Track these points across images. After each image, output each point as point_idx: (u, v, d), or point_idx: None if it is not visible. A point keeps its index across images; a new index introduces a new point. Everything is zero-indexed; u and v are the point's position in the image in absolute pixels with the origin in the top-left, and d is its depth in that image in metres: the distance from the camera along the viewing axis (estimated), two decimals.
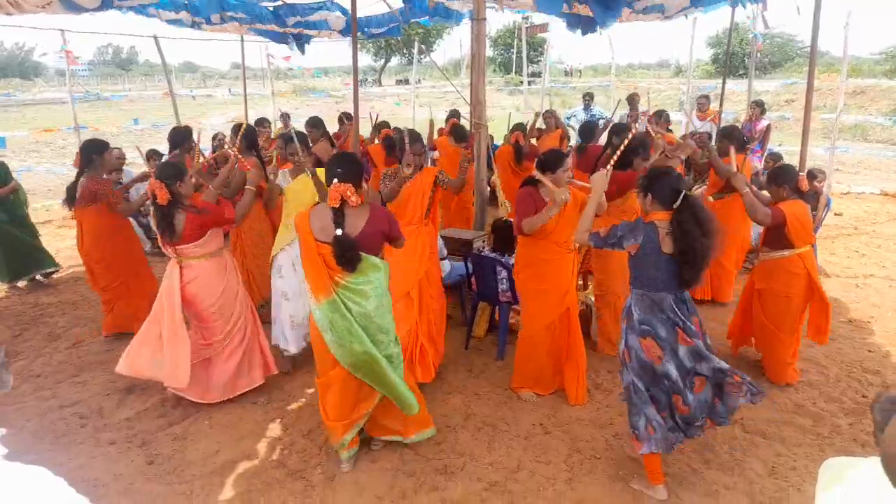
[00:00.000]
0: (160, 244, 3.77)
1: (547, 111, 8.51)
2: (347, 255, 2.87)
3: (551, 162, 3.66)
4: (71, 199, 4.75)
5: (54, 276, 6.49)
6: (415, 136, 4.34)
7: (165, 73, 10.31)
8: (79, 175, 4.71)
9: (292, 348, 4.41)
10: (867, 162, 13.73)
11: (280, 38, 9.12)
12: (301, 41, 9.22)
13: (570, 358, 3.94)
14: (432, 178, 4.23)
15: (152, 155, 7.68)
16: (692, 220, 2.73)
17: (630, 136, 3.78)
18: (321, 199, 3.97)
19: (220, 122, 15.97)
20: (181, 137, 5.76)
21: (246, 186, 4.02)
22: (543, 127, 8.32)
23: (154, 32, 9.37)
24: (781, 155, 7.22)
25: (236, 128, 5.50)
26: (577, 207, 3.66)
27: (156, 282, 4.77)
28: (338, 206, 2.88)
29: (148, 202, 3.94)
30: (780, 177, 3.94)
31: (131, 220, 6.57)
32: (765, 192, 4.37)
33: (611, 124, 5.84)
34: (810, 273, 3.91)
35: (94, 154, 4.67)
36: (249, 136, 5.12)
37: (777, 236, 3.91)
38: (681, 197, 2.75)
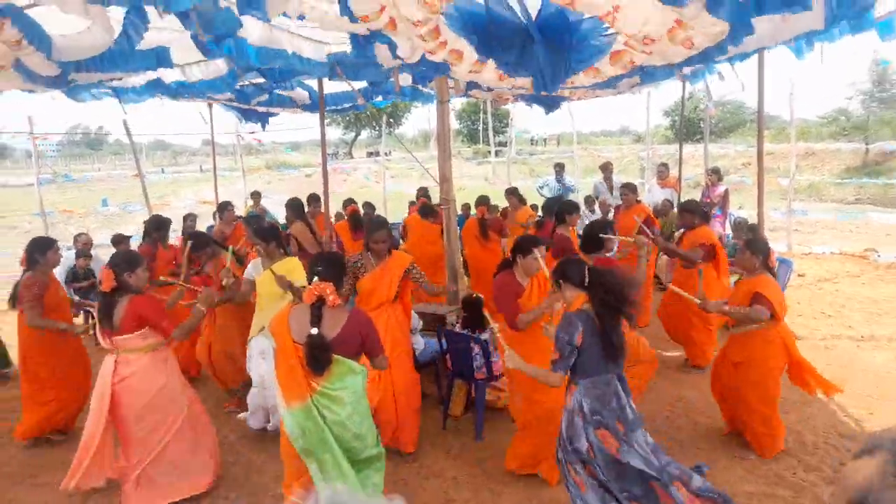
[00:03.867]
0: (98, 336, 3.59)
1: (508, 189, 8.59)
2: (319, 356, 2.76)
3: (521, 246, 3.77)
4: (14, 298, 4.67)
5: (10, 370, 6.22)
6: (377, 224, 4.30)
7: (134, 154, 10.37)
8: (24, 274, 4.59)
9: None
10: (823, 222, 14.27)
11: (243, 113, 9.22)
12: (264, 118, 9.34)
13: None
14: (402, 269, 4.20)
15: (120, 240, 7.63)
16: (606, 286, 2.94)
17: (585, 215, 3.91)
18: (295, 297, 3.96)
19: (192, 201, 15.95)
20: (154, 227, 5.80)
21: (194, 309, 3.77)
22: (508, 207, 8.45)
23: (123, 116, 9.50)
24: (748, 220, 7.47)
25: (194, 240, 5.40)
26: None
27: (89, 381, 4.55)
28: (314, 303, 2.82)
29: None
30: (757, 247, 4.03)
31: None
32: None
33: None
34: (785, 339, 3.97)
35: (36, 253, 4.58)
36: (199, 243, 5.16)
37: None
38: (587, 273, 3.01)
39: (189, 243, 4.92)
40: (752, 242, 4.16)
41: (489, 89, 7.60)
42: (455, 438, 4.52)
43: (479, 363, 4.50)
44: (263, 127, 9.21)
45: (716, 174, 8.66)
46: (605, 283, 2.95)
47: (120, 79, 5.84)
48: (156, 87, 6.33)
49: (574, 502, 2.99)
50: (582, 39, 3.71)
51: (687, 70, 6.66)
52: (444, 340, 4.77)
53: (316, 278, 2.85)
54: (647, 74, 5.50)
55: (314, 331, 2.76)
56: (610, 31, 3.74)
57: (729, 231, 7.96)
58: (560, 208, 5.41)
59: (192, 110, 10.09)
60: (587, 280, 3.02)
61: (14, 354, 6.40)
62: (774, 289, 3.94)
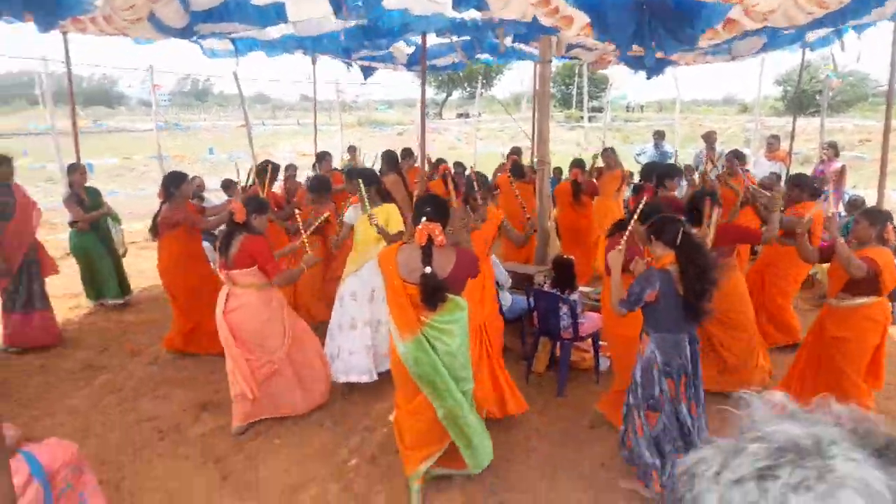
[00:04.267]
0: (217, 268, 4.00)
1: (606, 150, 8.45)
2: (435, 294, 2.90)
3: (661, 228, 3.14)
4: (154, 228, 5.25)
5: (129, 297, 6.85)
6: (481, 181, 4.45)
7: (242, 104, 10.88)
8: (161, 206, 5.17)
9: (354, 377, 4.49)
10: None
11: (346, 64, 9.41)
12: (367, 71, 9.54)
13: None
14: (496, 227, 4.34)
15: (228, 185, 8.13)
16: (695, 253, 2.99)
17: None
18: (388, 242, 4.14)
19: (291, 153, 16.63)
20: (259, 172, 6.22)
21: (301, 265, 4.10)
22: (602, 165, 8.31)
23: (233, 68, 9.99)
24: (864, 198, 7.00)
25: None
26: None
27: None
28: (424, 244, 2.95)
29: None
30: (875, 217, 3.83)
31: (206, 245, 7.00)
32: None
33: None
34: (884, 319, 3.78)
35: (172, 187, 5.11)
36: (317, 186, 5.60)
37: (861, 283, 3.79)
38: (680, 236, 3.01)
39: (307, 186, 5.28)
40: (869, 211, 3.98)
41: (592, 49, 7.41)
42: (538, 394, 4.63)
43: (567, 323, 4.56)
44: (366, 77, 9.38)
45: (832, 148, 8.11)
46: (692, 256, 2.99)
47: (237, 32, 6.17)
48: (266, 41, 6.64)
49: (632, 446, 3.22)
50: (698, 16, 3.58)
51: (811, 36, 6.22)
52: (532, 299, 4.85)
53: (424, 219, 2.97)
54: (772, 38, 5.18)
55: (428, 270, 2.90)
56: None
57: (842, 210, 7.47)
58: (660, 172, 5.26)
59: (294, 64, 10.46)
60: (678, 242, 3.03)
61: (137, 283, 7.10)
62: (887, 260, 3.72)
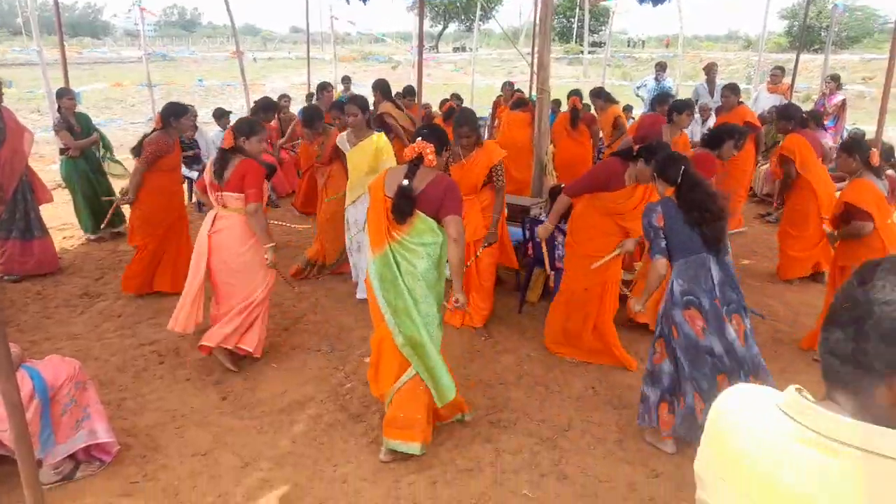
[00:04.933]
0: (207, 189, 3.84)
1: (593, 91, 8.20)
2: (403, 205, 2.90)
3: (659, 165, 3.27)
4: (137, 148, 4.97)
5: (125, 226, 6.80)
6: (464, 117, 4.37)
7: (234, 33, 10.57)
8: (153, 131, 4.94)
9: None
10: None
11: None
12: None
13: (597, 329, 4.05)
14: (489, 165, 4.30)
15: (221, 114, 7.99)
16: (695, 189, 3.04)
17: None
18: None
19: (283, 85, 16.26)
20: (262, 108, 6.12)
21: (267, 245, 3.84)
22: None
23: None
24: (864, 133, 6.94)
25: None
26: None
27: (190, 249, 4.88)
28: (412, 159, 2.96)
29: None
30: (850, 147, 3.88)
31: (195, 175, 6.92)
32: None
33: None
34: (887, 245, 3.79)
35: (171, 117, 4.91)
36: (309, 117, 5.55)
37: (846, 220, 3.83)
38: (681, 172, 3.06)
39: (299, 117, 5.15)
40: (845, 142, 4.03)
41: None
42: (530, 322, 4.71)
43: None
44: (365, 2, 8.99)
45: (834, 81, 7.99)
46: (692, 194, 3.03)
47: None
48: None
49: (649, 374, 3.20)
50: None
51: None
52: (527, 229, 4.86)
53: (420, 139, 2.97)
54: None
55: (405, 182, 2.91)
56: None
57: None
58: (672, 105, 5.17)
59: None
60: (680, 180, 3.07)
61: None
62: (866, 191, 3.74)
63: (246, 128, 3.83)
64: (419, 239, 2.98)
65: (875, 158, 3.85)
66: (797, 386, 0.92)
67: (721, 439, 0.97)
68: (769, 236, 6.46)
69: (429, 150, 2.94)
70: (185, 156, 7.56)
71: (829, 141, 6.91)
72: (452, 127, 4.46)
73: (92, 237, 6.44)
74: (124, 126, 13.27)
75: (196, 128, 7.33)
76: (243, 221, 3.81)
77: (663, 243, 3.03)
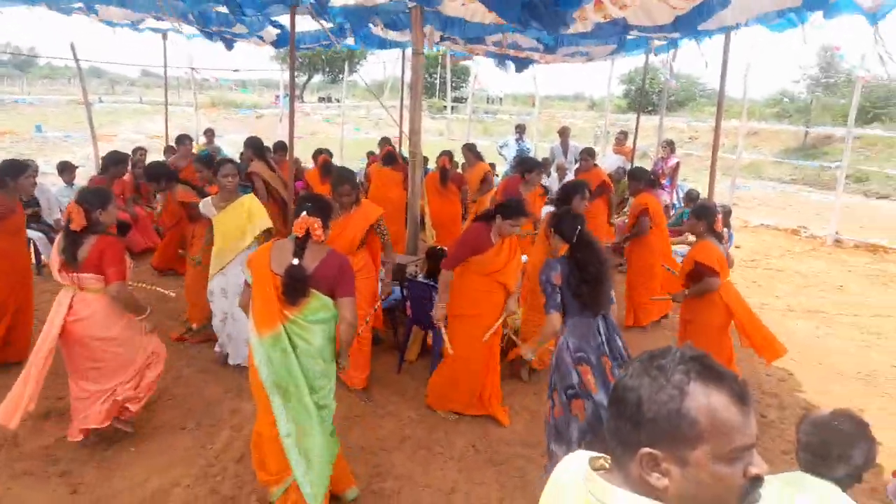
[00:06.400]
0: (56, 272, 3.41)
1: (466, 145, 8.64)
2: (296, 286, 2.77)
3: (510, 211, 3.86)
4: None
5: None
6: (342, 177, 4.36)
7: (81, 80, 9.83)
8: None
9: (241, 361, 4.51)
10: (761, 198, 15.01)
11: (206, 36, 8.69)
12: (229, 42, 8.88)
13: (489, 382, 4.16)
14: (368, 223, 4.32)
15: (65, 168, 7.34)
16: (587, 250, 3.25)
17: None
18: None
19: (136, 136, 15.28)
20: (112, 162, 5.63)
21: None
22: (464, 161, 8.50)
23: (69, 38, 8.98)
24: (699, 191, 7.81)
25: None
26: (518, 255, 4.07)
27: (32, 317, 4.66)
28: (302, 235, 2.84)
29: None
30: (700, 212, 4.31)
31: (36, 236, 6.25)
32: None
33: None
34: (726, 300, 4.21)
35: (8, 177, 4.40)
36: (153, 172, 5.28)
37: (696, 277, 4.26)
38: (577, 232, 3.27)
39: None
40: (696, 208, 4.48)
41: (466, 42, 7.56)
42: (410, 381, 4.70)
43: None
44: (229, 47, 8.68)
45: (670, 146, 9.01)
46: (583, 254, 3.22)
47: None
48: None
49: (553, 429, 3.24)
50: None
51: (657, 42, 6.84)
52: (405, 289, 4.89)
53: (305, 213, 2.86)
54: (622, 44, 5.69)
55: (295, 261, 2.79)
56: None
57: (677, 201, 8.35)
58: (524, 167, 5.56)
59: (136, 39, 9.64)
60: (575, 237, 3.28)
61: None
62: (710, 252, 4.18)
63: (96, 200, 3.38)
64: (314, 316, 2.85)
65: (719, 225, 4.34)
66: (602, 455, 1.13)
67: (545, 500, 1.23)
68: (621, 286, 7.01)
69: (316, 224, 2.84)
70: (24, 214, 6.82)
71: (666, 199, 7.76)
72: (330, 183, 4.44)
73: None
74: None
75: (35, 184, 6.63)
76: (108, 303, 3.40)
77: (559, 298, 3.19)
